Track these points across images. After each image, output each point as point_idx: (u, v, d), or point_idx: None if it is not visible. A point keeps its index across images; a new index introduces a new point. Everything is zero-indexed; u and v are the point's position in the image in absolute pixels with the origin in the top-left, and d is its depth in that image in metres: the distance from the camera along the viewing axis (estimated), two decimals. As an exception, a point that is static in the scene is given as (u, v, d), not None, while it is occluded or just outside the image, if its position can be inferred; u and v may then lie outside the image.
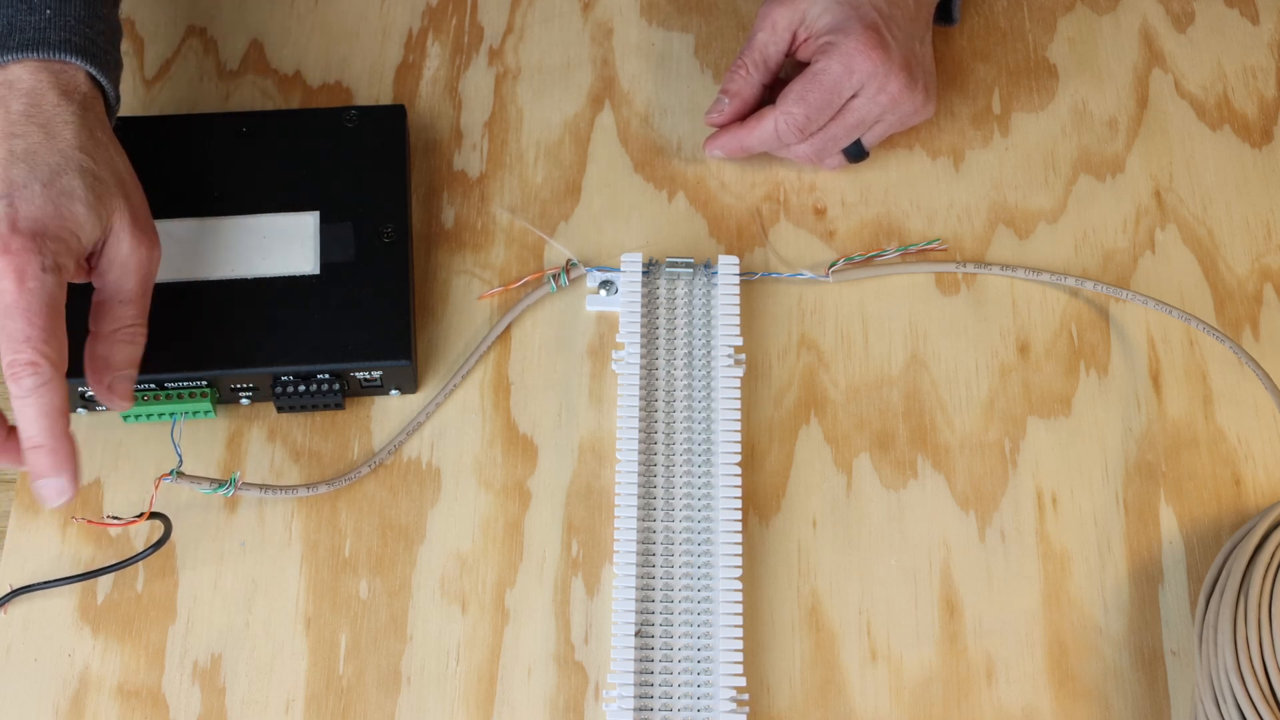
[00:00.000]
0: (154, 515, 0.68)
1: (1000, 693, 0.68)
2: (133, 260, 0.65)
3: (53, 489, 0.61)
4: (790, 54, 0.77)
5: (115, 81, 0.68)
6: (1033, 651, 0.69)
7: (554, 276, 0.76)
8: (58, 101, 0.65)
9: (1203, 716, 0.63)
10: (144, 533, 0.70)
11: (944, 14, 0.82)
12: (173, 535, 0.69)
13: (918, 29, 0.76)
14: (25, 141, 0.63)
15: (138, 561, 0.69)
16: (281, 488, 0.70)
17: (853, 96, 0.74)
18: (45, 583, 0.68)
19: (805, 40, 0.75)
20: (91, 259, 0.65)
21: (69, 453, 0.60)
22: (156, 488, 0.67)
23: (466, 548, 0.71)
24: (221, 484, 0.68)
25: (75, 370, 0.69)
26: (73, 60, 0.66)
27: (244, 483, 0.69)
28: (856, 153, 0.77)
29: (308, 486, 0.71)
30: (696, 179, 0.80)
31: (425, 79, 0.82)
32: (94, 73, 0.67)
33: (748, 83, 0.77)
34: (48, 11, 0.66)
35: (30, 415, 0.60)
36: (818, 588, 0.70)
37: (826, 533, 0.71)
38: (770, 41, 0.76)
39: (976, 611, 0.70)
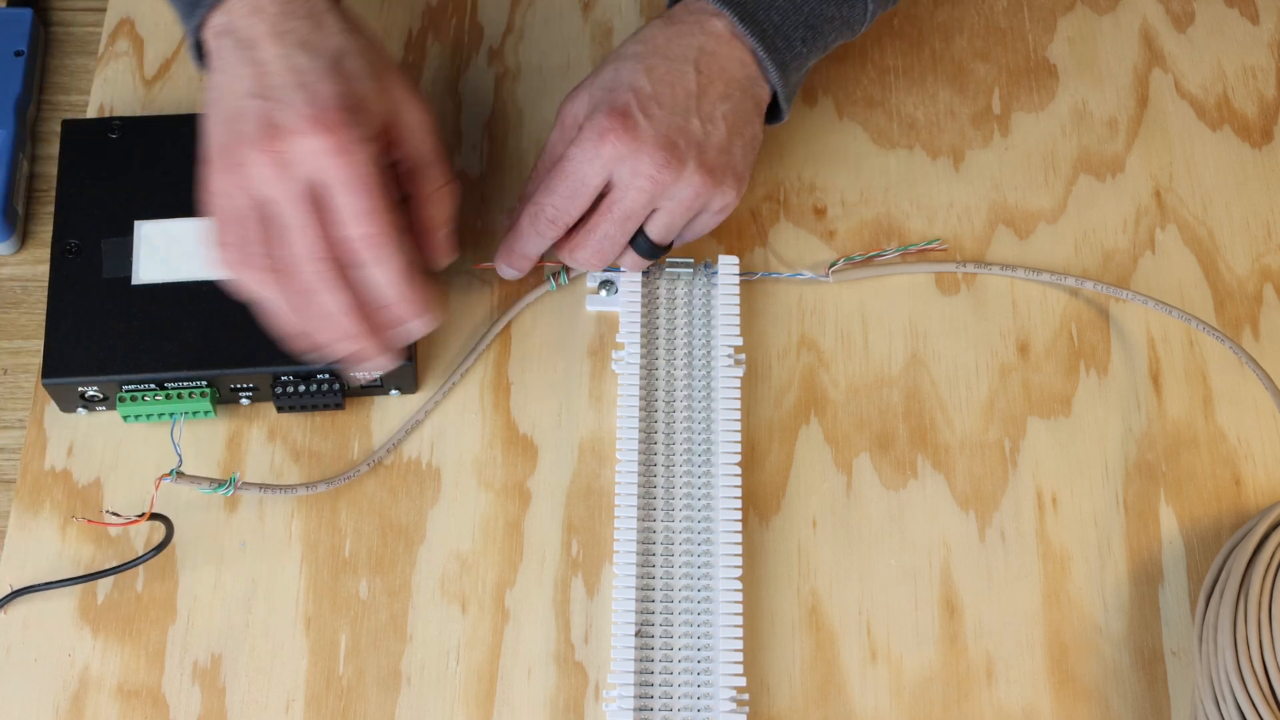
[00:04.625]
0: (155, 516, 0.68)
1: (1000, 693, 0.68)
2: (425, 124, 0.67)
3: (420, 326, 0.66)
4: None
5: None
6: (1033, 651, 0.69)
7: (553, 275, 0.76)
8: None
9: (1203, 716, 0.63)
10: (144, 533, 0.70)
11: (774, 112, 0.74)
12: (173, 537, 0.69)
13: (707, 107, 0.69)
14: (297, 34, 0.64)
15: (139, 564, 0.69)
16: (281, 486, 0.70)
17: (610, 186, 0.69)
18: (45, 584, 0.68)
19: None
20: (388, 133, 0.66)
21: (425, 294, 0.65)
22: (157, 488, 0.67)
23: (466, 548, 0.71)
24: (221, 484, 0.68)
25: (93, 369, 0.69)
26: None
27: (244, 482, 0.69)
28: (649, 249, 0.71)
29: (307, 485, 0.71)
30: (696, 179, 0.80)
31: (425, 79, 0.82)
32: None
33: (535, 184, 0.72)
34: None
35: (387, 279, 0.63)
36: (818, 588, 0.70)
37: (826, 533, 0.71)
38: (560, 140, 0.71)
39: (976, 611, 0.70)
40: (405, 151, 0.67)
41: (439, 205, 0.68)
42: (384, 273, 0.63)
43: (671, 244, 0.72)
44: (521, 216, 0.71)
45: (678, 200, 0.69)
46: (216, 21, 0.65)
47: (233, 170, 0.62)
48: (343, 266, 0.63)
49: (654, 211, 0.70)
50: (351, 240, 0.62)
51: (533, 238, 0.71)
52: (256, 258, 0.63)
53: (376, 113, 0.64)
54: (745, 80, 0.70)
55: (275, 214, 0.62)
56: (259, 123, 0.62)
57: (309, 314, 0.64)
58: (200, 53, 0.67)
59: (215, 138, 0.64)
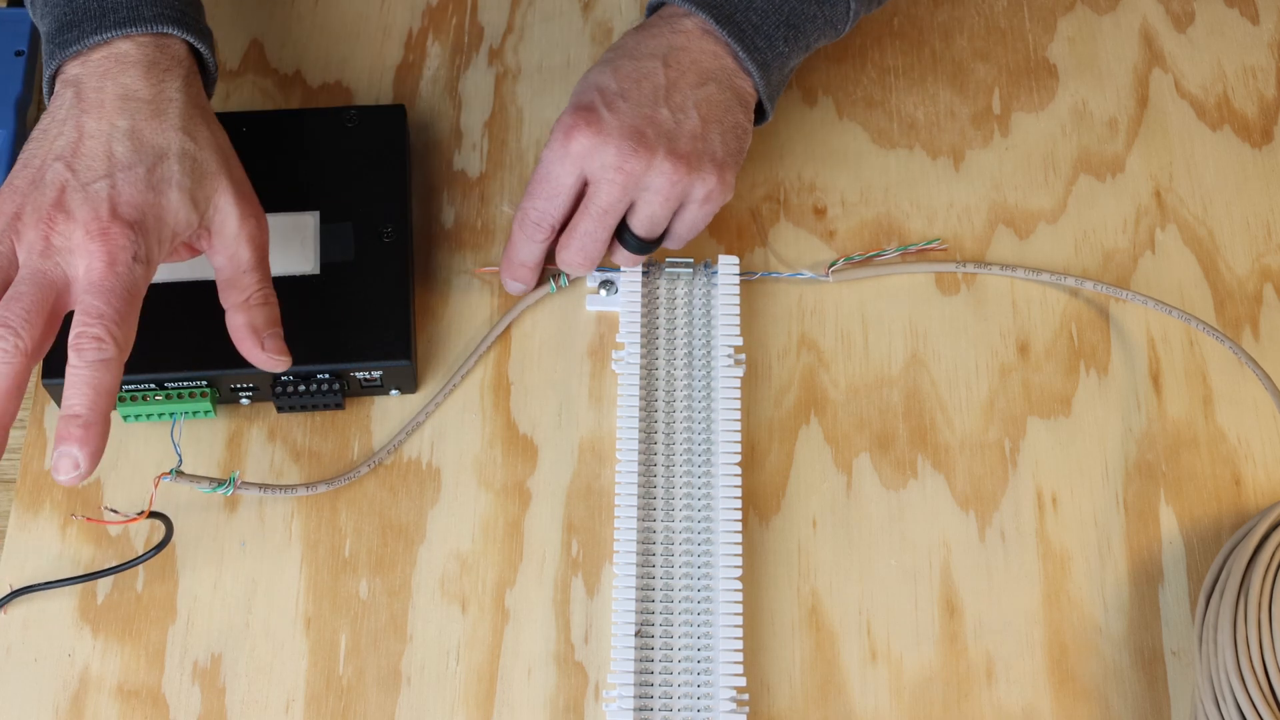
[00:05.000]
0: (154, 515, 0.68)
1: (1000, 693, 0.68)
2: (244, 233, 0.66)
3: (69, 460, 0.59)
4: None
5: (212, 50, 0.69)
6: (1033, 651, 0.69)
7: (554, 276, 0.75)
8: (166, 70, 0.66)
9: (1203, 716, 0.63)
10: (144, 533, 0.70)
11: (758, 112, 0.74)
12: (173, 536, 0.69)
13: (677, 98, 0.69)
14: (131, 120, 0.64)
15: (139, 564, 0.69)
16: (281, 486, 0.70)
17: (585, 183, 0.69)
18: (45, 584, 0.68)
19: None
20: (201, 240, 0.66)
21: (100, 434, 0.60)
22: (156, 486, 0.67)
23: (466, 548, 0.71)
24: (221, 483, 0.68)
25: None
26: (170, 31, 0.66)
27: (243, 481, 0.69)
28: (637, 245, 0.72)
29: (307, 485, 0.71)
30: (696, 179, 0.80)
31: (425, 79, 0.82)
32: (192, 41, 0.67)
33: None
34: None
35: (79, 385, 0.60)
36: (818, 588, 0.70)
37: (826, 533, 0.71)
38: None
39: (976, 611, 0.70)
40: (218, 261, 0.66)
41: (252, 312, 0.66)
42: (76, 378, 0.60)
43: (662, 239, 0.72)
44: (513, 226, 0.72)
45: (654, 190, 0.69)
46: (71, 70, 0.66)
47: (10, 219, 0.62)
48: (36, 343, 0.60)
49: (635, 205, 0.70)
50: (73, 332, 0.60)
51: (524, 243, 0.72)
52: None
53: (176, 226, 0.64)
54: (720, 71, 0.70)
55: (18, 266, 0.62)
56: (53, 195, 0.62)
57: None
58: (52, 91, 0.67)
59: (17, 177, 0.63)
